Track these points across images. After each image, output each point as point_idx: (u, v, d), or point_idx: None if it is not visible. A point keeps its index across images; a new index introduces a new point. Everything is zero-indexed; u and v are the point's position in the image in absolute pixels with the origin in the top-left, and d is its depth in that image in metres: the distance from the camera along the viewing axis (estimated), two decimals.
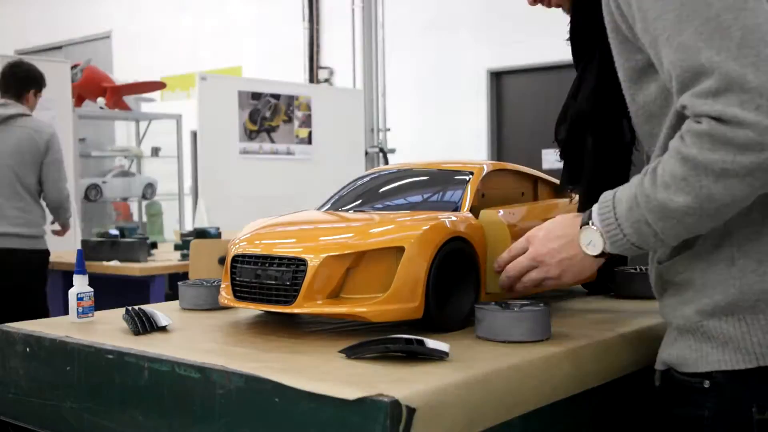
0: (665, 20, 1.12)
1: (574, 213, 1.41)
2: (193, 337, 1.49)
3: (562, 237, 1.35)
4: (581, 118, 1.37)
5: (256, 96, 6.34)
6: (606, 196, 1.25)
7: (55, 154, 4.37)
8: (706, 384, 1.20)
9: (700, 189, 1.10)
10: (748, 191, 1.09)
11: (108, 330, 1.54)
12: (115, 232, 4.84)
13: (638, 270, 1.90)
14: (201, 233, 4.44)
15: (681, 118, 1.16)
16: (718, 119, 1.07)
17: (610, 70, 1.33)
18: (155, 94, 8.43)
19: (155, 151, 7.12)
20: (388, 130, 7.94)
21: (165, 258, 4.70)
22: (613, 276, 1.92)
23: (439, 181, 1.71)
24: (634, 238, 1.20)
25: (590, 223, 1.27)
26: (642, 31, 1.17)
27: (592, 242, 1.28)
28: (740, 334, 1.17)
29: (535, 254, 1.40)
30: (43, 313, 4.12)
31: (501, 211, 1.60)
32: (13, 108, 4.29)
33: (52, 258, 4.78)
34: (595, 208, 1.27)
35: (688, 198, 1.11)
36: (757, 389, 1.17)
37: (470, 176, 1.67)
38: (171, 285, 4.71)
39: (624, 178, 1.37)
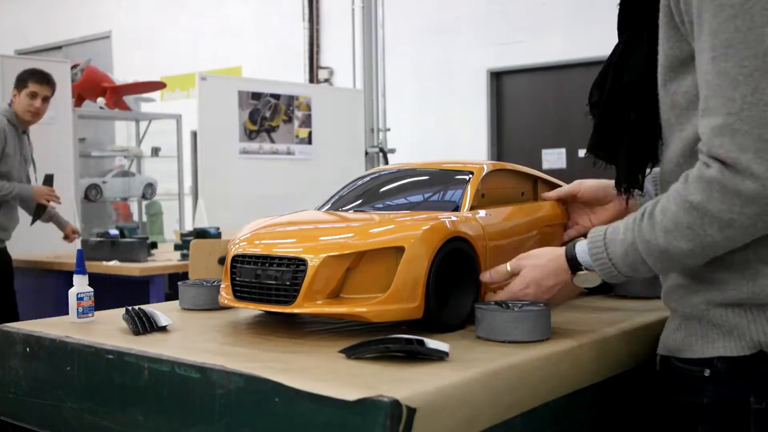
0: (718, 40, 1.12)
1: (549, 255, 1.43)
2: (193, 337, 1.49)
3: (555, 286, 1.42)
4: (630, 88, 1.36)
5: (256, 96, 6.34)
6: (595, 237, 1.31)
7: None
8: (707, 372, 1.23)
9: (704, 237, 1.14)
10: (748, 239, 1.15)
11: (108, 330, 1.54)
12: (114, 232, 4.84)
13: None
14: (201, 233, 4.44)
15: (695, 141, 1.19)
16: (728, 165, 1.10)
17: (656, 40, 1.32)
18: (155, 94, 8.43)
19: (155, 151, 7.12)
20: (388, 130, 7.95)
21: (165, 258, 4.70)
22: None
23: (439, 181, 1.71)
24: (630, 274, 1.28)
25: (582, 268, 1.35)
26: (695, 37, 1.18)
27: (588, 280, 1.36)
28: (745, 323, 1.20)
29: (534, 298, 1.44)
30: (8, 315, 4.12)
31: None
32: None
33: (52, 258, 4.78)
34: (582, 250, 1.34)
35: (690, 244, 1.16)
36: (755, 379, 1.19)
37: (470, 176, 1.67)
38: (171, 285, 4.71)
39: (654, 155, 1.37)
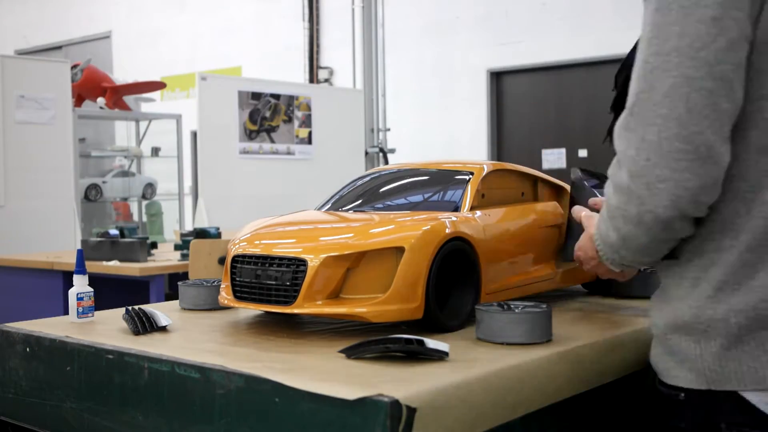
0: (642, 31, 1.14)
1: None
2: (193, 337, 1.49)
3: (596, 257, 1.40)
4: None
5: (256, 96, 6.34)
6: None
7: None
8: (681, 396, 1.20)
9: (617, 229, 1.18)
10: (652, 238, 1.15)
11: (108, 330, 1.54)
12: (114, 232, 4.83)
13: (636, 270, 1.90)
14: (201, 233, 4.44)
15: None
16: (619, 159, 1.14)
17: None
18: (155, 94, 8.43)
19: (155, 151, 7.12)
20: (388, 130, 7.94)
21: (165, 258, 4.70)
22: None
23: (439, 181, 1.71)
24: (620, 260, 1.26)
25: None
26: None
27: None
28: (694, 355, 1.17)
29: (590, 269, 1.43)
30: None
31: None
32: None
33: (52, 258, 4.78)
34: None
35: (614, 235, 1.20)
36: (721, 407, 1.15)
37: (470, 176, 1.67)
38: (171, 285, 4.70)
39: None
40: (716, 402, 1.15)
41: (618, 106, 1.40)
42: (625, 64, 1.43)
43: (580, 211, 1.52)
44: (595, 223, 1.29)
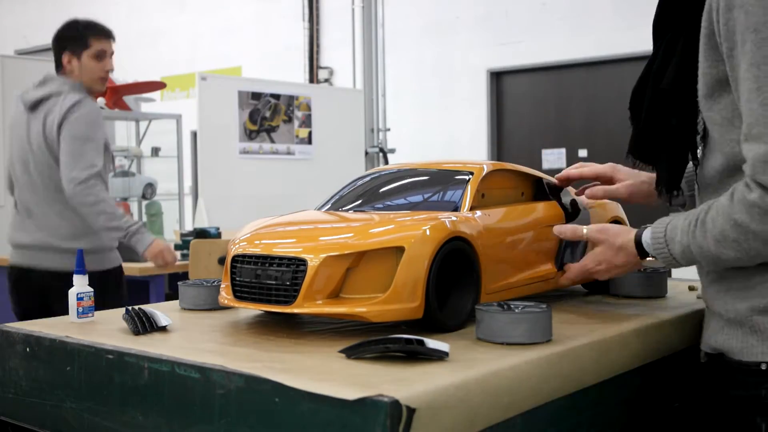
0: (761, 71, 1.21)
1: (621, 241, 1.51)
2: (193, 337, 1.49)
3: (626, 265, 1.53)
4: (669, 94, 1.42)
5: (256, 96, 6.34)
6: (657, 233, 1.41)
7: (71, 130, 3.08)
8: (764, 366, 1.32)
9: (749, 250, 1.27)
10: None
11: (108, 330, 1.54)
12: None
13: (636, 270, 1.90)
14: (201, 233, 4.44)
15: (734, 157, 1.31)
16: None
17: (695, 49, 1.38)
18: (155, 94, 8.43)
19: (155, 151, 7.11)
20: (388, 130, 7.95)
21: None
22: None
23: (439, 181, 1.71)
24: (688, 265, 1.40)
25: (650, 256, 1.46)
26: (734, 64, 1.26)
27: (656, 264, 1.50)
28: None
29: (604, 273, 1.57)
30: None
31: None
32: (46, 87, 3.25)
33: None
34: (648, 244, 1.44)
35: (738, 254, 1.29)
36: None
37: (470, 176, 1.67)
38: (171, 285, 4.70)
39: (692, 159, 1.48)
40: None
41: (648, 126, 1.47)
42: (638, 88, 1.50)
43: (580, 228, 1.60)
44: (663, 245, 1.39)
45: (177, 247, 4.83)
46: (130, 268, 4.37)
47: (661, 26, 1.45)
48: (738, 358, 1.35)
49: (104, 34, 3.40)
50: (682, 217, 1.38)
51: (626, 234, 1.50)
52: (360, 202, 1.71)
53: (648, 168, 1.57)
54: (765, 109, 1.21)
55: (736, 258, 1.29)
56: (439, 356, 1.24)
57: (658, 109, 1.44)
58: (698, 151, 1.46)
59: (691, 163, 1.48)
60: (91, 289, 1.66)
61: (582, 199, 1.92)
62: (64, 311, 1.67)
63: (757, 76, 1.22)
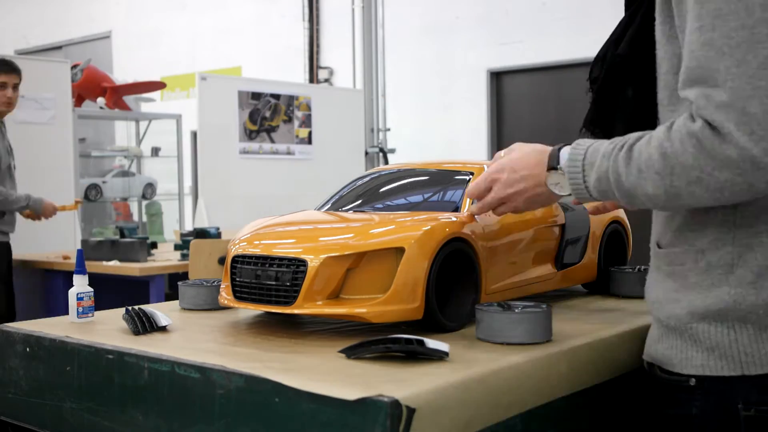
0: (704, 9, 1.09)
1: (536, 147, 1.35)
2: (193, 337, 1.49)
3: (528, 178, 1.33)
4: (621, 62, 1.34)
5: (256, 96, 6.34)
6: (577, 152, 1.24)
7: None
8: (692, 382, 1.20)
9: (669, 187, 1.12)
10: (713, 203, 1.12)
11: (108, 330, 1.54)
12: (116, 238, 4.81)
13: (636, 270, 1.90)
14: (201, 233, 4.44)
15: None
16: (712, 126, 1.07)
17: (653, 15, 1.27)
18: (155, 94, 8.42)
19: (155, 151, 7.12)
20: (388, 130, 7.95)
21: (165, 258, 4.70)
22: (611, 276, 1.92)
23: (439, 181, 1.71)
24: (598, 197, 1.22)
25: (558, 169, 1.27)
26: (681, 8, 1.15)
27: (560, 185, 1.28)
28: (727, 341, 1.17)
29: (502, 195, 1.36)
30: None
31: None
32: None
33: (52, 258, 4.78)
34: (564, 158, 1.26)
35: (655, 190, 1.13)
36: (740, 390, 1.16)
37: (470, 176, 1.67)
38: (171, 285, 4.70)
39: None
40: (735, 385, 1.16)
41: (602, 96, 1.37)
42: (598, 57, 1.40)
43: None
44: (579, 165, 1.23)
45: (177, 247, 4.83)
46: (131, 268, 4.38)
47: (627, 1, 1.39)
48: (676, 370, 1.22)
49: (7, 69, 4.32)
50: (607, 141, 1.22)
51: (540, 147, 1.34)
52: (360, 202, 1.71)
53: None
54: (707, 50, 1.08)
55: (653, 195, 1.14)
56: (439, 356, 1.24)
57: (614, 78, 1.35)
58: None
59: None
60: (91, 289, 1.66)
61: None
62: None
63: (700, 15, 1.10)
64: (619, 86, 1.35)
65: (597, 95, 1.39)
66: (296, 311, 1.41)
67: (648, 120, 1.31)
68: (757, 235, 1.16)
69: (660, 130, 1.14)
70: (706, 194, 1.10)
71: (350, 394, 1.06)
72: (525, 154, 1.34)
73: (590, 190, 1.22)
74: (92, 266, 4.28)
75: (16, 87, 4.36)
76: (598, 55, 1.40)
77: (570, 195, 1.27)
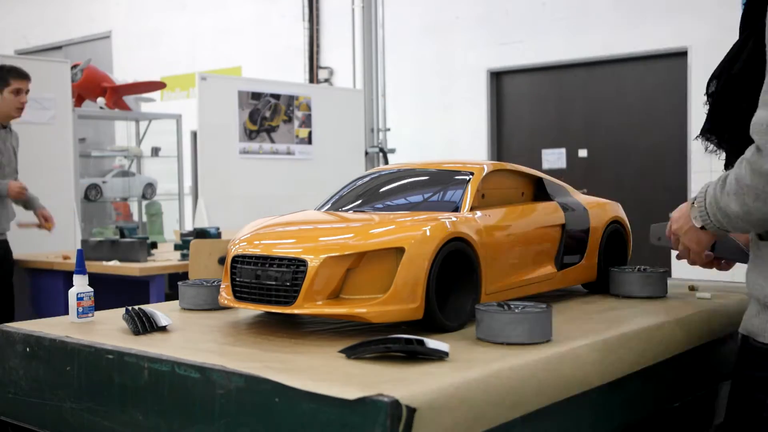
0: None
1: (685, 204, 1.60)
2: (193, 337, 1.49)
3: (681, 217, 1.59)
4: (736, 80, 1.53)
5: (256, 96, 6.33)
6: (702, 187, 1.49)
7: None
8: None
9: (743, 205, 1.35)
10: None
11: (108, 330, 1.54)
12: (116, 238, 4.81)
13: (636, 270, 1.90)
14: (201, 233, 4.44)
15: None
16: (759, 148, 1.28)
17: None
18: (155, 94, 8.42)
19: (155, 151, 7.11)
20: (388, 130, 7.94)
21: (165, 258, 4.70)
22: (611, 276, 1.92)
23: (439, 182, 1.71)
24: (717, 224, 1.45)
25: (694, 204, 1.52)
26: None
27: (696, 218, 1.51)
28: None
29: (673, 229, 1.62)
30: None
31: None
32: None
33: (52, 258, 4.77)
34: (694, 197, 1.52)
35: (737, 208, 1.36)
36: None
37: (470, 176, 1.67)
38: (171, 285, 4.70)
39: None
40: None
41: (718, 109, 1.58)
42: (714, 74, 1.60)
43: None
44: (702, 195, 1.46)
45: (177, 247, 4.83)
46: (131, 268, 4.38)
47: (743, 24, 1.56)
48: (764, 341, 1.40)
49: (21, 75, 4.40)
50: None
51: (685, 205, 1.59)
52: (360, 202, 1.71)
53: (717, 153, 1.65)
54: None
55: (736, 213, 1.36)
56: (439, 356, 1.24)
57: (730, 92, 1.54)
58: None
59: None
60: (91, 289, 1.66)
61: (581, 199, 1.92)
62: None
63: None
64: (735, 100, 1.54)
65: (713, 107, 1.60)
66: (296, 311, 1.41)
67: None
68: None
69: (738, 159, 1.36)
70: (755, 203, 1.32)
71: (350, 393, 1.06)
72: (680, 208, 1.62)
73: (710, 215, 1.45)
74: (92, 266, 4.28)
75: (27, 92, 4.43)
76: (714, 73, 1.61)
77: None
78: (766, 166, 1.28)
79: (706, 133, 1.63)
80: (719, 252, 1.68)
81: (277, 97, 6.49)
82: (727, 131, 1.58)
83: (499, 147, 8.02)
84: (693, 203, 1.52)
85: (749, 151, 1.32)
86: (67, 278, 4.46)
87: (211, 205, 5.87)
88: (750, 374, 1.44)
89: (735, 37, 1.57)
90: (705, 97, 1.62)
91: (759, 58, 1.45)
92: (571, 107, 7.48)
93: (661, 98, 6.68)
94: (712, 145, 1.63)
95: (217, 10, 9.85)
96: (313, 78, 8.89)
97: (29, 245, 4.82)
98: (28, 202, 4.49)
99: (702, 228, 1.50)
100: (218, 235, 4.41)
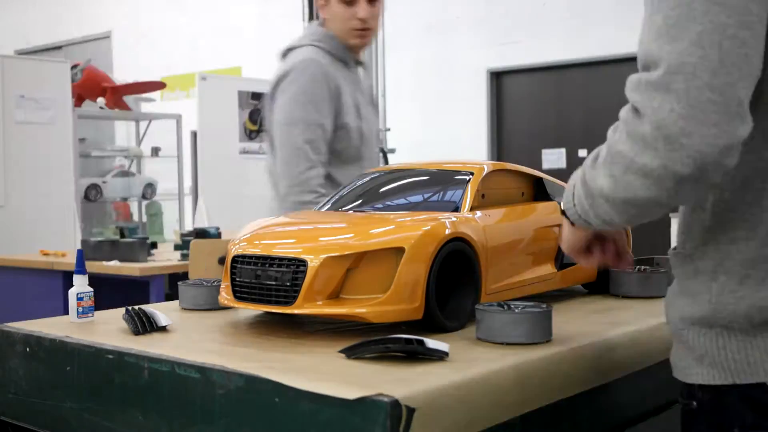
0: None
1: None
2: (193, 337, 1.49)
3: (563, 232, 1.33)
4: None
5: (256, 96, 6.33)
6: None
7: None
8: (694, 405, 1.18)
9: (611, 176, 1.07)
10: (649, 195, 1.05)
11: (108, 330, 1.54)
12: (116, 238, 4.81)
13: (636, 270, 1.90)
14: (201, 233, 4.44)
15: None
16: (635, 109, 1.04)
17: None
18: (155, 94, 8.43)
19: (155, 151, 7.12)
20: (388, 130, 7.95)
21: (165, 258, 4.70)
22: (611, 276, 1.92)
23: (439, 181, 1.71)
24: (580, 208, 1.18)
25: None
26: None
27: (560, 203, 1.31)
28: (716, 348, 1.13)
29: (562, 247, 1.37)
30: None
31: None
32: None
33: (52, 258, 4.78)
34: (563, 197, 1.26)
35: (602, 181, 1.09)
36: (735, 410, 1.12)
37: (470, 176, 1.67)
38: (171, 285, 4.70)
39: None
40: (732, 401, 1.12)
41: None
42: None
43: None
44: (571, 179, 1.21)
45: (177, 247, 4.83)
46: (131, 268, 4.38)
47: None
48: (680, 378, 1.21)
49: None
50: None
51: None
52: (360, 202, 1.71)
53: None
54: (648, 35, 1.05)
55: (602, 189, 1.09)
56: (439, 356, 1.24)
57: None
58: None
59: None
60: (91, 289, 1.66)
61: None
62: None
63: (649, 2, 1.06)
64: None
65: None
66: (296, 311, 1.41)
67: None
68: (734, 241, 1.12)
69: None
70: (637, 183, 1.04)
71: (350, 393, 1.06)
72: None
73: (574, 198, 1.19)
74: (92, 266, 4.28)
75: (373, 2, 2.87)
76: None
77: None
78: (641, 128, 1.02)
79: None
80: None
81: None
82: None
83: (499, 147, 8.03)
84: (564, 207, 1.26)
85: (624, 111, 1.06)
86: (67, 278, 4.46)
87: (211, 205, 5.87)
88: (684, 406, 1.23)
89: None
90: None
91: None
92: (571, 107, 7.48)
93: None
94: None
95: (217, 10, 9.85)
96: None
97: (28, 245, 4.83)
98: None
99: (564, 214, 1.25)
100: (218, 235, 4.41)
